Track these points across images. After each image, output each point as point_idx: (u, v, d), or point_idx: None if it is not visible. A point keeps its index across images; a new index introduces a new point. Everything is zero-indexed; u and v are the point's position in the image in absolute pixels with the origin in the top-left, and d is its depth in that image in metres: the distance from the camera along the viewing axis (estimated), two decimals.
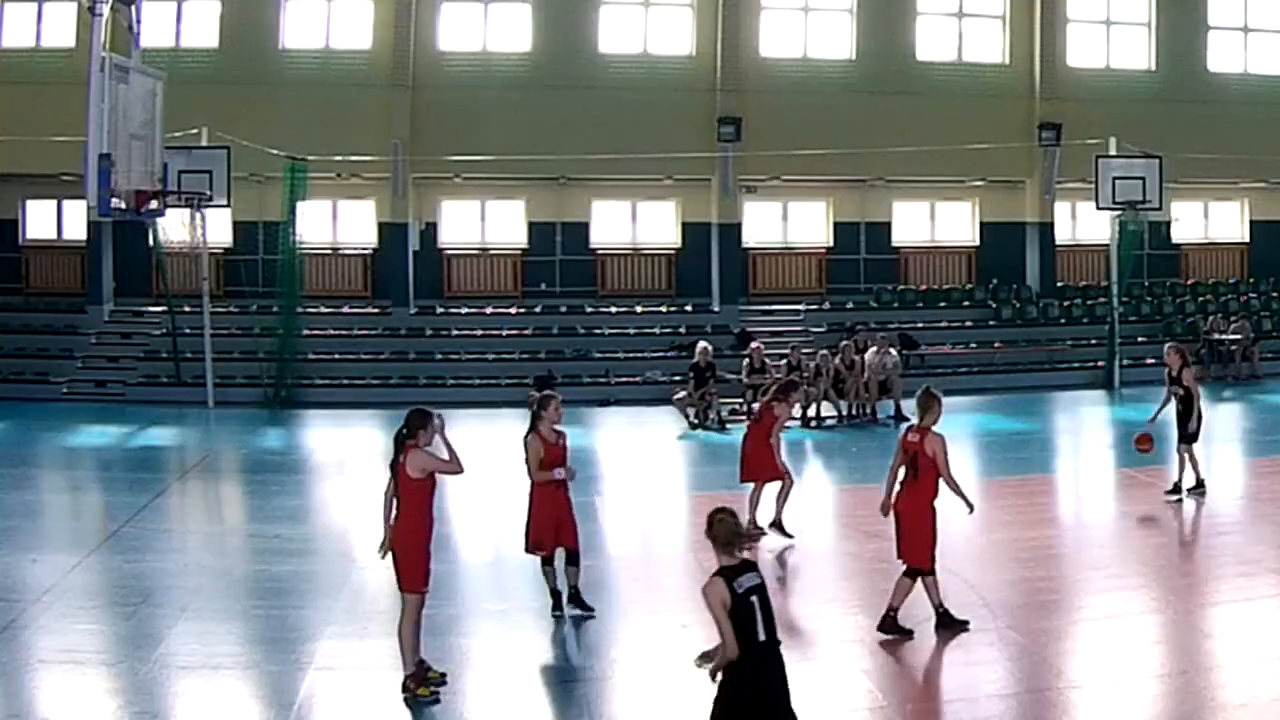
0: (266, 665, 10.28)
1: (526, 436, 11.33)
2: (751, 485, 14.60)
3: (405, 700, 9.36)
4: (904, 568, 10.75)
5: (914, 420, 11.02)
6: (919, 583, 10.72)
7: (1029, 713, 9.11)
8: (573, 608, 11.39)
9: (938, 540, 10.74)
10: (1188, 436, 16.12)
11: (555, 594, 11.43)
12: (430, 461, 9.53)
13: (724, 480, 18.76)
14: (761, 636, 6.97)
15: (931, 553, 10.69)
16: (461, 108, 28.71)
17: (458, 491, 19.06)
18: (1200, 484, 16.11)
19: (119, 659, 10.33)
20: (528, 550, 11.46)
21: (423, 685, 9.46)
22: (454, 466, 9.63)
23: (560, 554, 11.46)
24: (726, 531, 7.10)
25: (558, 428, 11.43)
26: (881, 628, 10.68)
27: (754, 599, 6.97)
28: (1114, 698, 9.27)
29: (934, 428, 10.73)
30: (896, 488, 10.89)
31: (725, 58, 29.42)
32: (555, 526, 11.32)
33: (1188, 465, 16.09)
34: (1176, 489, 16.03)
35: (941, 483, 10.70)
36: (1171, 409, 16.40)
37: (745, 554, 7.11)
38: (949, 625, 10.71)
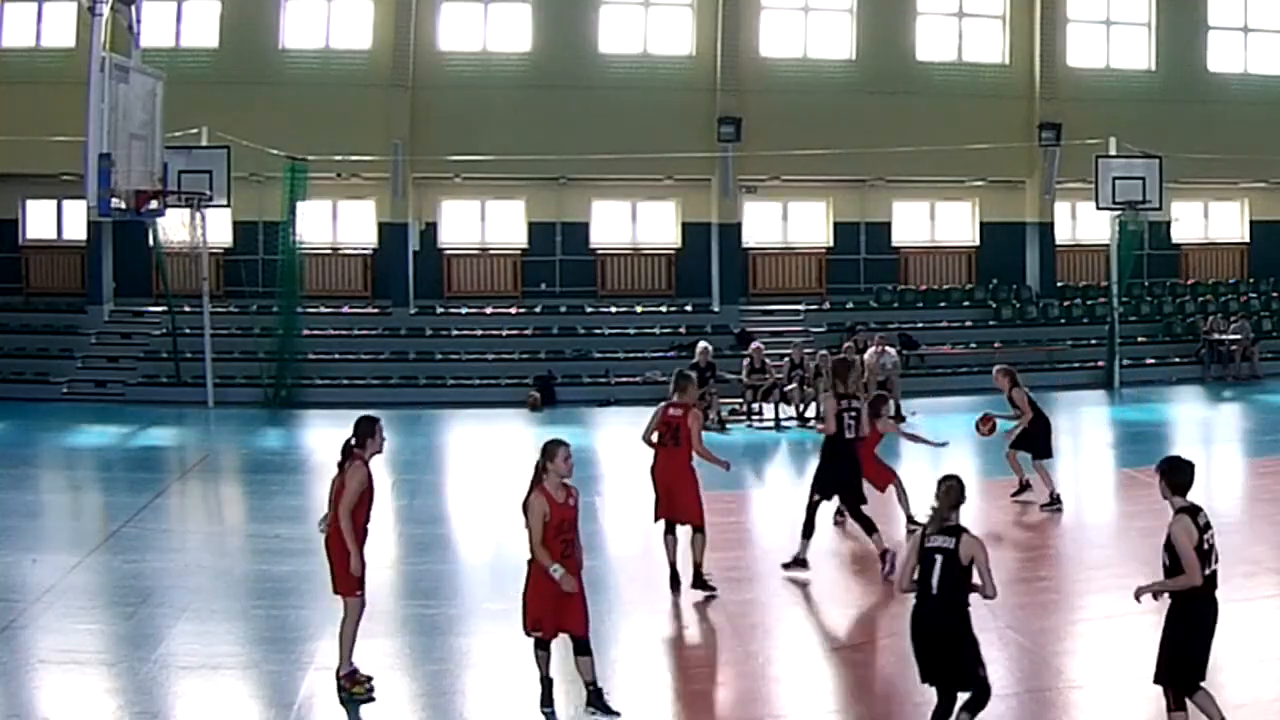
0: (266, 665, 10.28)
1: (528, 496, 8.98)
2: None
3: (342, 700, 9.38)
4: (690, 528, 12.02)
5: (674, 398, 12.30)
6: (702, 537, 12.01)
7: (1029, 713, 9.10)
8: (591, 712, 9.10)
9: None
10: (1040, 451, 15.99)
11: (546, 682, 9.17)
12: (353, 490, 9.49)
13: (724, 480, 18.73)
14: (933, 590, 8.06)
15: (702, 510, 12.08)
16: (461, 108, 28.71)
17: (456, 492, 19.11)
18: (1056, 499, 15.77)
19: (119, 659, 10.34)
20: (525, 631, 9.15)
21: (357, 685, 9.50)
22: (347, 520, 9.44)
23: (565, 640, 9.17)
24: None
25: (567, 482, 9.12)
26: (694, 585, 12.00)
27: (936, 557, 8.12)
28: (1114, 698, 9.27)
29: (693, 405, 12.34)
30: (653, 457, 12.27)
31: (725, 58, 29.41)
32: (556, 605, 9.00)
33: (1044, 479, 15.89)
34: (1054, 499, 15.78)
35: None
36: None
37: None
38: (701, 586, 12.02)
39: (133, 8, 17.24)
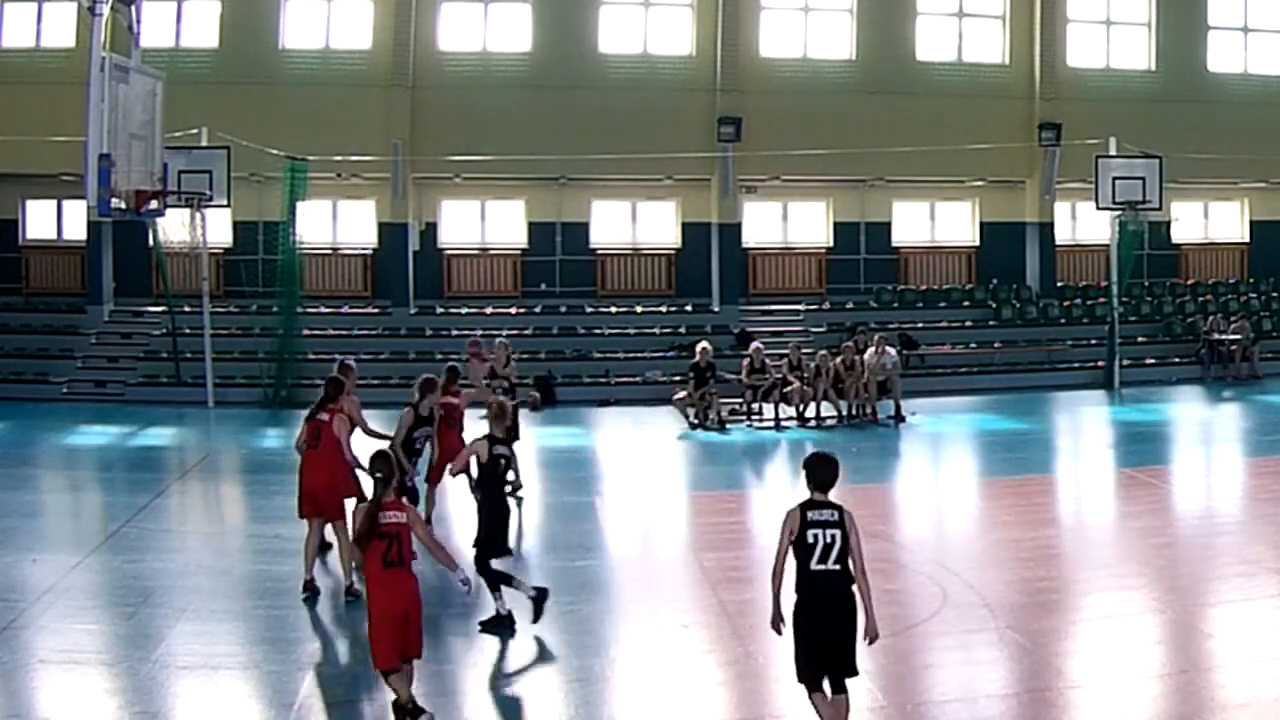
0: (266, 665, 10.28)
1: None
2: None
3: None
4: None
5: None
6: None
7: (1029, 713, 9.11)
8: None
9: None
10: None
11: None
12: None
13: (724, 480, 18.82)
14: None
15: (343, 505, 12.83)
16: (461, 108, 28.72)
17: (455, 492, 19.08)
18: None
19: (119, 659, 10.33)
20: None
21: None
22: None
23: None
24: None
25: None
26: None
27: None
28: (1114, 698, 9.27)
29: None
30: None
31: (725, 58, 29.41)
32: None
33: None
34: None
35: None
36: None
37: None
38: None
39: (133, 8, 17.23)
